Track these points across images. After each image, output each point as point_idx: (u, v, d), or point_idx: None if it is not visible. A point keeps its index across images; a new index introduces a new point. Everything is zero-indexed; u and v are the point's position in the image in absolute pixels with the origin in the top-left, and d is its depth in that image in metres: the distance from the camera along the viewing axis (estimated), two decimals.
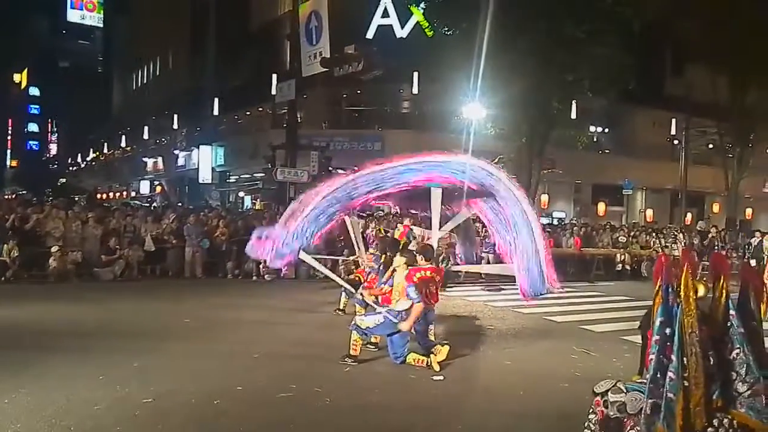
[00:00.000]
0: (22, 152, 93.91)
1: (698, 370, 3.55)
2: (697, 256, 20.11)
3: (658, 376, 3.60)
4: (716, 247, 20.95)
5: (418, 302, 7.26)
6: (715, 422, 3.62)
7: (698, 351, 3.56)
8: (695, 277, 3.70)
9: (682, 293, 3.62)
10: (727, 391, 3.67)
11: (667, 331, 3.65)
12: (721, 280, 3.84)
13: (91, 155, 70.00)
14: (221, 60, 41.13)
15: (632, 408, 3.82)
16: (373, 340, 8.10)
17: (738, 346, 3.69)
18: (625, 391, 3.91)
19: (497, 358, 8.12)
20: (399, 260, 7.62)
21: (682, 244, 21.18)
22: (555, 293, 8.75)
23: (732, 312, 3.75)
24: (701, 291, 3.71)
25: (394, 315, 7.32)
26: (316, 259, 9.39)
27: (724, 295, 3.80)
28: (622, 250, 20.56)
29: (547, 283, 8.24)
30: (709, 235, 21.52)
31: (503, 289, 15.49)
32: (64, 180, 73.89)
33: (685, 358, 3.56)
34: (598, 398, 3.99)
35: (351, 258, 12.64)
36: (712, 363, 3.65)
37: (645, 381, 3.96)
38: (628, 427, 3.84)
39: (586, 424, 4.08)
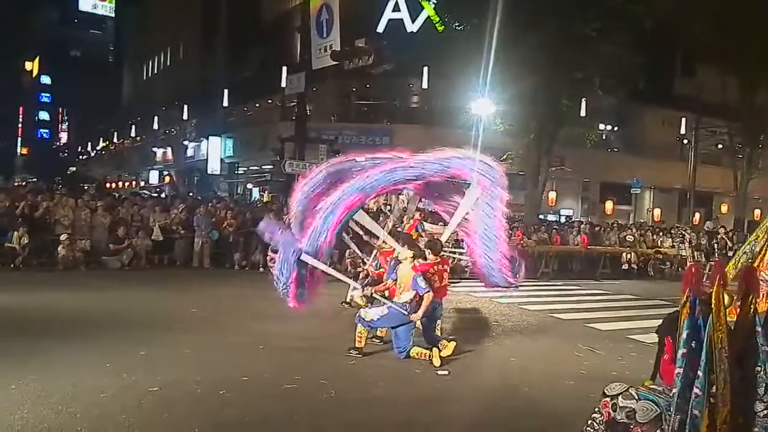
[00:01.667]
0: (33, 140, 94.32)
1: (726, 387, 3.48)
2: (705, 257, 20.14)
3: (686, 391, 3.54)
4: (725, 249, 20.87)
5: (428, 292, 7.25)
6: None
7: (726, 367, 3.49)
8: (725, 288, 3.64)
9: (713, 306, 3.57)
10: (748, 409, 3.61)
11: (694, 344, 3.58)
12: (751, 295, 3.75)
13: (101, 144, 70.27)
14: (231, 52, 41.12)
15: (642, 417, 3.79)
16: (378, 333, 8.12)
17: (760, 363, 3.62)
18: (636, 398, 3.88)
19: (502, 355, 8.13)
20: (406, 253, 7.55)
21: (690, 244, 21.12)
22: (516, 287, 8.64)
23: (758, 328, 3.67)
24: (726, 301, 3.65)
25: (401, 306, 7.32)
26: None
27: (751, 310, 3.72)
28: (628, 249, 20.53)
29: (506, 277, 8.01)
30: (718, 236, 21.43)
31: (519, 286, 15.48)
32: (74, 168, 74.16)
33: (712, 375, 3.49)
34: (607, 400, 3.97)
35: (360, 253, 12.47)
36: (736, 379, 3.59)
37: (657, 388, 3.94)
38: None
39: (589, 422, 4.07)
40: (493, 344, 8.77)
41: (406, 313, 7.28)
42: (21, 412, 5.05)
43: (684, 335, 3.64)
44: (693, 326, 3.63)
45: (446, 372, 6.94)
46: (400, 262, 7.66)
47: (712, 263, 18.00)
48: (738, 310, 3.77)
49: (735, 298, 3.79)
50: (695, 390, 3.48)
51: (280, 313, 10.35)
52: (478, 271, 8.10)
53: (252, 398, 5.79)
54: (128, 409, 5.25)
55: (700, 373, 3.49)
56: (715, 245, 21.17)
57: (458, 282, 15.61)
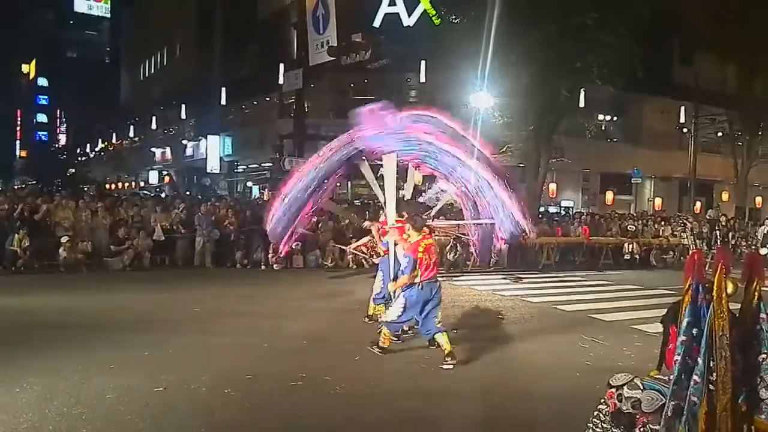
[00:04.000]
0: (31, 143, 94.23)
1: (726, 375, 3.44)
2: (707, 245, 20.14)
3: (683, 377, 3.50)
4: (727, 237, 20.86)
5: (408, 275, 7.08)
6: (745, 428, 3.56)
7: (727, 355, 3.45)
8: (727, 275, 3.61)
9: (714, 294, 3.54)
10: (752, 397, 3.58)
11: (694, 331, 3.54)
12: (755, 282, 3.69)
13: (100, 145, 70.03)
14: (228, 49, 41.02)
15: (647, 406, 3.77)
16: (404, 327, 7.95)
17: (765, 350, 3.57)
18: (642, 388, 3.86)
19: (506, 348, 8.12)
20: (414, 236, 7.36)
21: (693, 232, 21.11)
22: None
23: (763, 315, 3.62)
24: (730, 289, 3.62)
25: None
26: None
27: (756, 297, 3.67)
28: (630, 239, 20.51)
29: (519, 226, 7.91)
30: (720, 224, 21.42)
31: (522, 278, 15.50)
32: (73, 170, 74.08)
33: (712, 362, 3.45)
34: (612, 390, 3.95)
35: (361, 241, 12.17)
36: (739, 367, 3.55)
37: (663, 378, 3.92)
38: (640, 424, 3.80)
39: (595, 414, 4.06)
40: (497, 337, 8.75)
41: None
42: (26, 415, 5.05)
43: (685, 323, 3.61)
44: (694, 314, 3.60)
45: (451, 366, 6.92)
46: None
47: (714, 251, 18.03)
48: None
49: (737, 284, 3.75)
50: (694, 377, 3.45)
51: (283, 310, 10.40)
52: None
53: (257, 396, 5.78)
54: (133, 410, 5.24)
55: (699, 360, 3.47)
56: (717, 233, 21.18)
57: (460, 276, 15.65)
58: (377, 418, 5.47)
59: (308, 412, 5.43)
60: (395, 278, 7.70)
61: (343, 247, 9.21)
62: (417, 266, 7.07)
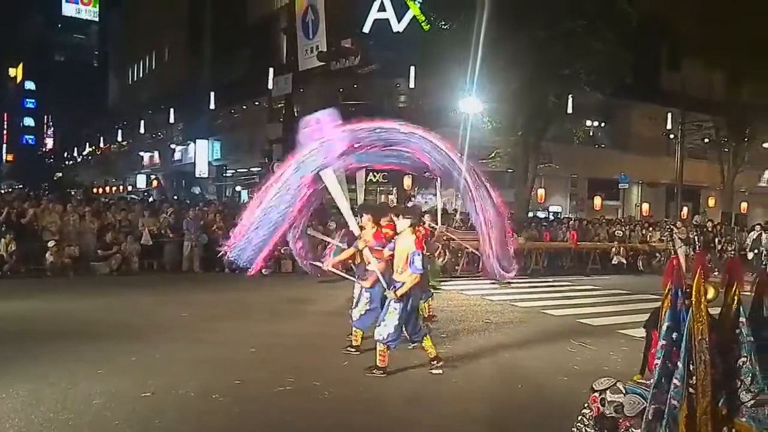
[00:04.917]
0: (18, 147, 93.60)
1: (706, 379, 3.47)
2: (693, 251, 20.25)
3: (663, 381, 3.53)
4: (712, 242, 21.00)
5: (419, 273, 6.67)
6: (725, 430, 3.59)
7: (707, 359, 3.48)
8: (706, 280, 3.64)
9: (693, 298, 3.58)
10: (732, 400, 3.61)
11: (674, 336, 3.58)
12: (734, 286, 3.74)
13: (87, 149, 69.63)
14: (217, 54, 40.98)
15: (630, 410, 3.80)
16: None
17: (745, 354, 3.60)
18: (624, 392, 3.89)
19: (495, 352, 8.14)
20: (403, 223, 6.89)
21: (680, 237, 21.22)
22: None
23: (742, 319, 3.66)
24: (711, 294, 3.65)
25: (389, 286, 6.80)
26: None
27: (735, 301, 3.71)
28: (617, 244, 20.64)
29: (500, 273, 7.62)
30: (706, 229, 21.56)
31: (510, 283, 15.53)
32: (60, 174, 73.64)
33: (692, 365, 3.48)
34: (596, 395, 3.99)
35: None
36: (719, 371, 3.58)
37: (645, 382, 3.96)
38: (623, 428, 3.83)
39: (579, 418, 4.09)
40: (485, 342, 8.78)
41: (387, 288, 6.74)
42: (12, 421, 5.02)
43: (664, 327, 3.64)
44: (674, 318, 3.63)
45: (440, 371, 6.93)
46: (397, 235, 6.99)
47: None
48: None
49: (718, 289, 3.79)
50: (674, 381, 3.49)
51: (271, 315, 10.39)
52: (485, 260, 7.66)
53: (245, 402, 5.77)
54: (120, 416, 5.22)
55: (679, 364, 3.49)
56: (696, 238, 21.30)
57: (449, 280, 15.65)
58: (366, 423, 5.48)
59: (297, 417, 5.44)
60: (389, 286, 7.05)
61: (319, 264, 8.56)
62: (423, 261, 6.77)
